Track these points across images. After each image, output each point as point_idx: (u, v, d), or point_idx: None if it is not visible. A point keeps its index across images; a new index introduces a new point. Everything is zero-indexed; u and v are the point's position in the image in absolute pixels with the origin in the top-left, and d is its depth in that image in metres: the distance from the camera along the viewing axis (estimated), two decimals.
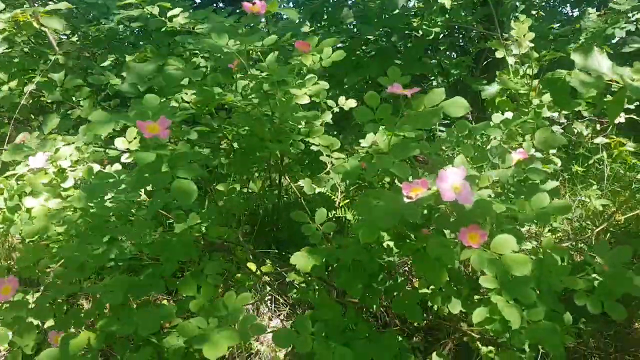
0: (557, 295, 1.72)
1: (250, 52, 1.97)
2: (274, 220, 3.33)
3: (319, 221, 1.61)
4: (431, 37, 2.81)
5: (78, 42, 4.29)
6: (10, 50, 4.15)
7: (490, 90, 3.11)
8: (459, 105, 1.45)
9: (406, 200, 1.36)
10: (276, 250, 3.09)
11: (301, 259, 1.45)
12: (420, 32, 2.85)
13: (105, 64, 4.20)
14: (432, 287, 1.71)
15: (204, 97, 1.67)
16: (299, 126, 1.85)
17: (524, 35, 2.51)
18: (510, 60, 2.98)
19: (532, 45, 2.54)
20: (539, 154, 1.72)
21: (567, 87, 1.93)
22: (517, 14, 3.42)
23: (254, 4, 1.67)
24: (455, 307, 1.55)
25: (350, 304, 1.88)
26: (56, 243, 1.82)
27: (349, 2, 3.07)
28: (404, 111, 1.54)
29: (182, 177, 1.25)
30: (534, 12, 4.16)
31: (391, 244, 1.59)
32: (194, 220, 1.67)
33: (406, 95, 1.52)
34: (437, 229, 1.42)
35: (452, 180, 1.31)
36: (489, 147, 1.92)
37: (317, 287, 2.24)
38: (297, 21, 1.71)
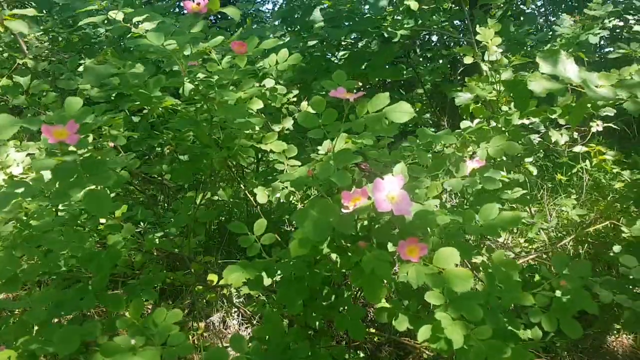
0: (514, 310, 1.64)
1: (207, 55, 1.89)
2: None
3: (257, 232, 1.52)
4: (396, 40, 2.73)
5: (49, 46, 4.20)
6: None
7: (464, 97, 3.04)
8: (402, 111, 1.37)
9: (343, 210, 1.28)
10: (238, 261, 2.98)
11: (233, 273, 1.36)
12: (386, 35, 2.77)
13: (80, 69, 4.11)
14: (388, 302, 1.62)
15: (140, 100, 1.59)
16: (247, 131, 1.76)
17: (490, 40, 2.43)
18: (485, 67, 2.91)
19: (500, 50, 2.47)
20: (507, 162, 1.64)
21: (527, 90, 1.87)
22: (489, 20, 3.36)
23: (197, 3, 1.59)
24: (402, 323, 1.46)
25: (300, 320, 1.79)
26: None
27: (321, 5, 3.00)
28: (348, 117, 1.46)
29: (96, 185, 1.16)
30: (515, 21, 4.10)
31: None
32: (129, 231, 1.58)
33: (348, 100, 1.44)
34: (378, 242, 1.33)
35: (388, 189, 1.23)
36: (446, 155, 1.85)
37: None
38: (238, 20, 1.65)
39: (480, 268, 1.44)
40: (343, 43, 2.95)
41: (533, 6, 4.09)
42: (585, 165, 3.69)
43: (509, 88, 2.22)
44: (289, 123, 2.30)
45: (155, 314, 1.37)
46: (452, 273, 1.23)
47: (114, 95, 3.59)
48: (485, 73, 2.90)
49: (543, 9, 4.48)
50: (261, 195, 1.92)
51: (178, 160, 1.86)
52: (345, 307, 1.49)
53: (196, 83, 1.55)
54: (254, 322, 2.73)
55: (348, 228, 1.20)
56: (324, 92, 2.99)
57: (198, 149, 1.70)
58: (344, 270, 1.58)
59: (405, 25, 2.70)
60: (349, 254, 1.35)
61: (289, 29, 3.13)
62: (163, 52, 1.56)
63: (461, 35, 3.28)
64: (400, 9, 2.72)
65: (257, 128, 1.96)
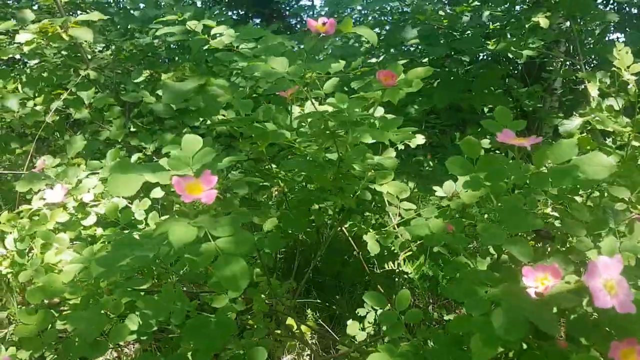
0: None
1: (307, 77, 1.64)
2: (313, 260, 2.98)
3: (400, 307, 1.23)
4: (522, 61, 2.44)
5: (111, 56, 4.04)
6: (41, 63, 3.94)
7: (570, 125, 2.71)
8: (600, 164, 1.08)
9: (533, 295, 0.99)
10: (318, 301, 2.73)
11: None
12: (510, 55, 2.47)
13: (139, 79, 3.93)
14: None
15: (255, 135, 1.34)
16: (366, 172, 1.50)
17: (628, 67, 2.11)
18: (594, 93, 2.59)
19: (635, 78, 2.14)
20: None
21: None
22: (607, 40, 3.04)
23: (323, 23, 1.32)
24: None
25: None
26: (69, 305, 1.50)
27: (410, 21, 2.73)
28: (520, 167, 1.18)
29: (230, 253, 0.91)
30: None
31: None
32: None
33: (524, 146, 1.15)
34: (570, 336, 1.04)
35: (605, 276, 0.93)
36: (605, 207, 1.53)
37: None
38: (377, 45, 1.41)
39: None
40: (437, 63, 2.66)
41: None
42: None
43: None
44: (392, 155, 2.02)
45: None
46: None
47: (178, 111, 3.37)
48: (592, 99, 2.59)
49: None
50: (373, 244, 1.64)
51: (287, 206, 1.60)
52: None
53: (325, 117, 1.29)
54: None
55: (551, 327, 0.91)
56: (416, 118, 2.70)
57: (313, 192, 1.43)
58: None
59: (531, 45, 2.39)
60: (529, 348, 1.06)
61: (376, 46, 2.87)
62: (280, 79, 1.30)
63: (565, 56, 2.98)
64: (527, 26, 2.42)
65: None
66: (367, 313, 2.19)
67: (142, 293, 1.44)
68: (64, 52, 4.04)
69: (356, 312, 2.26)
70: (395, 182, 1.65)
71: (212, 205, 1.05)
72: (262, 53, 1.37)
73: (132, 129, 3.42)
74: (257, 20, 10.13)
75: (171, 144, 1.18)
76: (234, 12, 10.21)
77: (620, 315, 0.95)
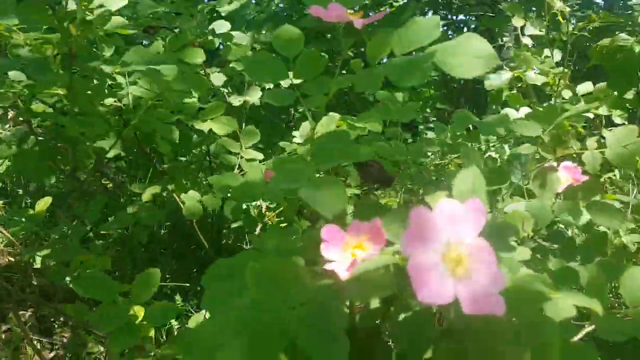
0: None
1: None
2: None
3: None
4: None
5: None
6: None
7: (497, 79, 2.28)
8: (472, 55, 0.61)
9: (323, 275, 0.52)
10: (188, 284, 2.24)
11: None
12: None
13: None
14: None
15: None
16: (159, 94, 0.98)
17: None
18: (525, 40, 2.20)
19: (569, 10, 1.71)
20: None
21: (635, 61, 1.19)
22: None
23: None
24: None
25: None
26: None
27: None
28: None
29: None
30: None
31: None
32: None
33: (353, 25, 0.67)
34: (401, 349, 0.57)
35: (446, 237, 0.47)
36: (510, 156, 1.09)
37: None
38: None
39: None
40: None
41: None
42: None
43: (600, 58, 1.46)
44: (255, 96, 1.54)
45: None
46: None
47: None
48: (525, 47, 2.20)
49: None
50: (193, 205, 1.15)
51: (35, 139, 1.06)
52: None
53: None
54: None
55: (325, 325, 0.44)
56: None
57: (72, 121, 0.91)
58: None
59: None
60: None
61: None
62: None
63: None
64: None
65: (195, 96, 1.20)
66: None
67: None
68: None
69: None
70: (225, 119, 1.16)
71: None
72: None
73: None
74: None
75: None
76: None
77: (481, 320, 0.48)
